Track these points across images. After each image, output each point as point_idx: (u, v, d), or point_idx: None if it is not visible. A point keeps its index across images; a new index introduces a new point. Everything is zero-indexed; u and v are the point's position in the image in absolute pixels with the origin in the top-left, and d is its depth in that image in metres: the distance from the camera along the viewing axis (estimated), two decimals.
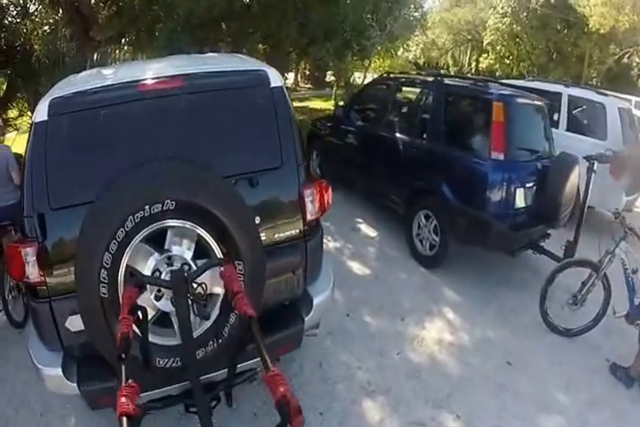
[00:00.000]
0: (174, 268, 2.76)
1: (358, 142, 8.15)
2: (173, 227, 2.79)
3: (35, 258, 2.90)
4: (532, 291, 5.44)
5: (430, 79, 7.07)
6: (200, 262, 2.82)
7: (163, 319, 2.88)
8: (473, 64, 36.46)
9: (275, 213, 3.44)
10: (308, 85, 31.48)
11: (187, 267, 2.77)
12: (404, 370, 4.57)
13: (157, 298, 2.78)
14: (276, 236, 3.43)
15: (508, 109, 5.61)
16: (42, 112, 3.04)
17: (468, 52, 37.06)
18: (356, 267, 6.44)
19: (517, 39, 30.46)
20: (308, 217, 3.50)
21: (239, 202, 2.89)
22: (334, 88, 20.52)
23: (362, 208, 8.25)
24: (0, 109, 13.87)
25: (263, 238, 3.14)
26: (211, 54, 5.75)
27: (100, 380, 2.98)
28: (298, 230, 3.51)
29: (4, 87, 14.19)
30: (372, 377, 4.45)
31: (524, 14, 29.35)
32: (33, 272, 2.93)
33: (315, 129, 9.90)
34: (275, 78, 3.48)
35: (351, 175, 8.21)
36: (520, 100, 6.01)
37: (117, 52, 21.13)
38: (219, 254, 2.87)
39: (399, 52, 23.90)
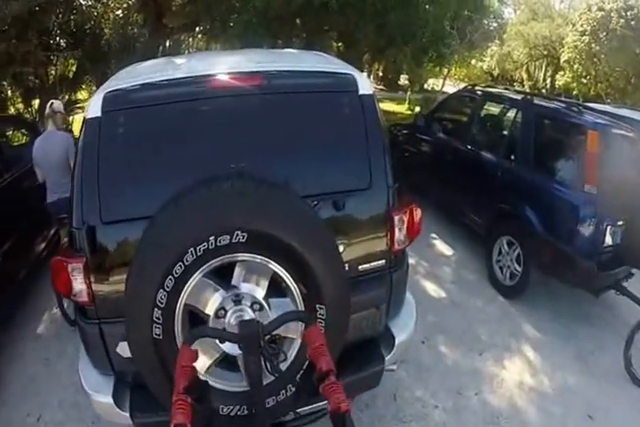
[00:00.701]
0: (242, 314, 2.31)
1: (439, 154, 7.80)
2: (243, 261, 2.34)
3: (82, 275, 2.60)
4: (610, 332, 5.11)
5: (519, 97, 6.66)
6: (275, 302, 2.41)
7: (227, 362, 2.49)
8: (548, 80, 35.41)
9: (359, 240, 2.99)
10: (381, 87, 30.98)
11: (256, 308, 2.33)
12: (482, 414, 4.20)
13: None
14: (360, 267, 3.00)
15: (603, 139, 5.13)
16: (95, 107, 2.67)
17: (544, 67, 36.05)
18: (431, 288, 6.08)
19: (595, 59, 29.37)
20: (396, 246, 3.07)
21: (325, 234, 2.42)
22: (408, 92, 20.13)
23: (438, 222, 7.80)
24: (69, 90, 14.16)
25: (345, 268, 2.69)
26: (289, 50, 5.31)
27: (156, 412, 2.61)
28: (384, 261, 3.07)
29: (74, 69, 14.24)
30: (448, 419, 4.11)
31: (604, 34, 28.27)
32: (80, 290, 2.63)
33: (391, 135, 9.36)
34: (364, 84, 3.02)
35: (429, 187, 7.84)
36: (617, 131, 5.48)
37: (190, 40, 21.32)
38: (297, 297, 2.41)
39: (473, 62, 23.37)
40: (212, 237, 2.15)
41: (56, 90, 12.64)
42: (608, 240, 5.04)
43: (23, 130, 8.01)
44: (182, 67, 3.44)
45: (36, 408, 4.13)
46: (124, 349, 2.50)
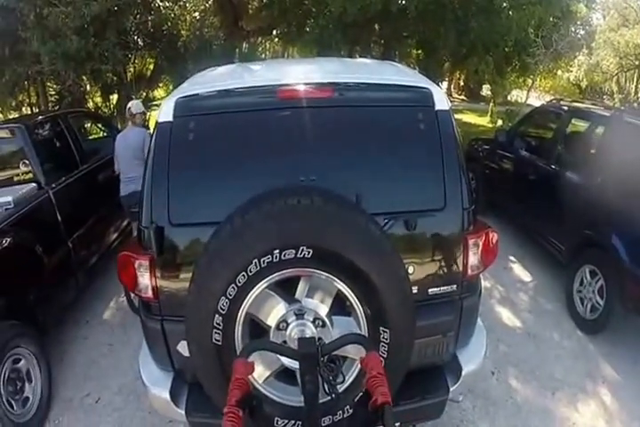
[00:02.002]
0: (304, 329, 2.22)
1: (520, 172, 7.45)
2: (308, 276, 2.28)
3: (148, 272, 2.70)
4: None
5: (608, 114, 6.18)
6: (338, 320, 2.32)
7: (286, 374, 2.42)
8: None
9: (430, 263, 2.87)
10: (462, 97, 30.30)
11: (318, 324, 2.24)
12: None
13: None
14: (429, 290, 2.89)
15: None
16: (167, 111, 2.76)
17: (635, 78, 34.52)
18: (506, 316, 5.75)
19: None
20: (469, 272, 2.93)
21: (394, 256, 2.28)
22: (491, 104, 19.64)
23: (517, 244, 7.43)
24: (147, 88, 14.84)
25: (413, 291, 2.61)
26: (364, 60, 5.18)
27: (212, 413, 2.58)
28: (455, 286, 2.94)
29: (151, 67, 14.88)
30: None
31: None
32: (146, 286, 2.73)
33: (472, 150, 9.29)
34: (440, 99, 2.88)
35: (510, 206, 7.65)
36: None
37: (267, 43, 21.48)
38: (361, 317, 2.28)
39: (560, 73, 22.53)
40: (276, 251, 2.11)
41: (133, 87, 13.24)
42: None
43: (100, 124, 8.64)
44: (255, 75, 3.57)
45: (96, 391, 4.30)
46: (184, 347, 2.53)
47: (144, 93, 14.56)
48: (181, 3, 13.26)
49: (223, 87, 2.91)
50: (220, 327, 2.20)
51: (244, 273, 2.12)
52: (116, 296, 5.80)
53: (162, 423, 3.86)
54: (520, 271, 6.81)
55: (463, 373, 3.05)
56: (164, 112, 2.76)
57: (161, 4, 12.85)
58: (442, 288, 2.91)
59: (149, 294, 2.73)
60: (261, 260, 2.10)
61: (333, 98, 2.78)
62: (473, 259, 2.91)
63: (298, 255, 2.11)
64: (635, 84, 34.77)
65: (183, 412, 2.81)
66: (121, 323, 5.30)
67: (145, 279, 2.71)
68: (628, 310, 4.87)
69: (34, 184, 4.88)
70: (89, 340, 5.01)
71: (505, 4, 11.99)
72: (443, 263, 2.89)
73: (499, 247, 3.10)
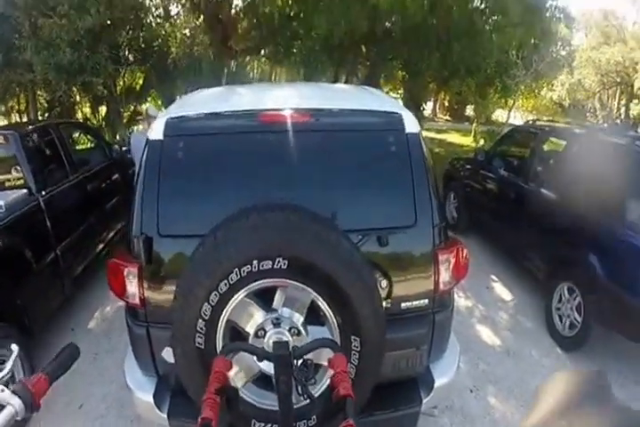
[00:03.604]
0: (278, 332, 2.36)
1: (499, 192, 7.59)
2: (284, 286, 2.43)
3: (136, 280, 2.80)
4: None
5: (582, 132, 6.37)
6: (313, 329, 2.44)
7: (265, 381, 2.53)
8: (622, 109, 34.30)
9: (402, 278, 2.97)
10: (447, 117, 30.65)
11: (294, 333, 2.36)
12: None
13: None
14: (402, 305, 2.99)
15: None
16: (157, 130, 2.91)
17: (617, 95, 34.94)
18: (486, 334, 5.77)
19: None
20: (441, 287, 3.03)
21: (365, 268, 2.44)
22: (473, 124, 19.84)
23: (498, 263, 7.49)
24: (136, 102, 15.15)
25: (386, 306, 2.75)
26: (341, 86, 5.30)
27: (194, 417, 2.61)
28: (427, 300, 3.03)
29: (140, 82, 15.15)
30: None
31: None
32: (133, 293, 2.83)
33: (453, 169, 9.43)
34: (410, 123, 3.06)
35: (490, 224, 7.71)
36: None
37: (255, 63, 21.65)
38: (334, 326, 2.43)
39: (542, 92, 22.80)
40: (255, 261, 2.26)
41: (122, 100, 13.51)
42: None
43: (89, 136, 8.65)
44: (239, 99, 3.70)
45: (80, 397, 4.30)
46: (169, 354, 2.65)
47: (132, 107, 14.79)
48: (172, 20, 13.43)
49: (210, 110, 3.06)
50: (203, 332, 2.35)
51: (225, 281, 2.27)
52: (102, 306, 5.85)
53: None
54: (501, 290, 6.87)
55: (436, 385, 3.14)
56: (155, 131, 2.90)
57: (152, 20, 13.07)
58: (414, 303, 3.01)
59: (136, 300, 2.84)
60: (241, 269, 2.25)
61: (311, 122, 2.94)
62: (444, 274, 3.00)
63: (275, 266, 2.27)
64: (616, 100, 35.28)
65: (165, 415, 2.92)
66: (106, 332, 5.31)
67: (133, 287, 2.81)
68: (606, 326, 4.95)
69: (25, 190, 4.94)
70: None
71: (487, 27, 12.20)
72: (415, 278, 3.01)
73: (469, 262, 3.19)
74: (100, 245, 6.37)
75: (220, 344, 2.43)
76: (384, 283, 2.86)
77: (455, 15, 11.30)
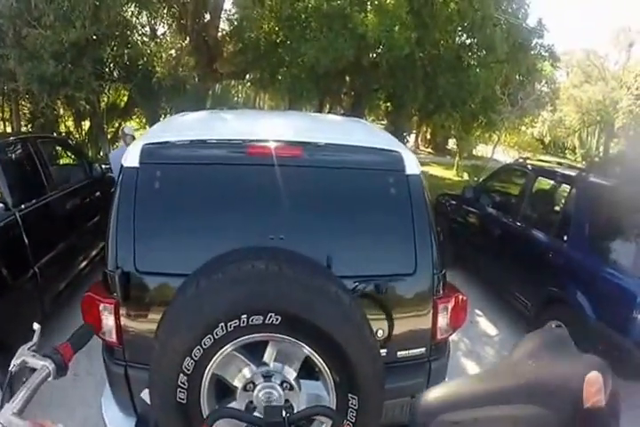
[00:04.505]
0: (271, 391, 2.13)
1: (487, 229, 7.59)
2: (277, 341, 2.19)
3: (113, 316, 2.63)
4: None
5: (573, 174, 6.32)
6: (306, 384, 2.23)
7: None
8: (601, 148, 34.68)
9: (399, 326, 2.80)
10: (429, 150, 30.72)
11: (286, 387, 2.16)
12: None
13: (249, 409, 2.15)
14: (398, 353, 2.85)
15: None
16: (133, 157, 2.70)
17: (597, 133, 35.37)
18: (471, 369, 5.73)
19: None
20: (438, 335, 2.91)
21: (365, 324, 2.23)
22: (456, 158, 19.96)
23: (483, 298, 7.44)
24: (119, 119, 15.20)
25: (382, 354, 2.53)
26: (334, 117, 5.12)
27: None
28: (424, 349, 2.92)
29: (125, 99, 15.18)
30: None
31: None
32: (110, 330, 2.67)
33: (439, 204, 9.40)
34: (411, 163, 2.87)
35: (475, 261, 7.70)
36: None
37: (240, 87, 21.66)
38: (330, 383, 2.20)
39: (524, 128, 23.04)
40: (244, 316, 2.03)
41: (104, 116, 13.43)
42: None
43: (69, 152, 8.46)
44: (226, 126, 3.53)
45: (60, 419, 4.05)
46: (148, 395, 2.36)
47: (117, 124, 14.71)
48: (158, 40, 13.35)
49: (193, 137, 2.87)
50: (185, 387, 2.12)
51: (210, 336, 2.05)
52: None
53: None
54: (486, 325, 6.82)
55: None
56: (130, 157, 2.70)
57: (138, 38, 13.01)
58: (411, 351, 2.88)
59: (113, 338, 2.67)
60: (228, 324, 2.03)
61: (303, 158, 2.74)
62: (442, 322, 2.88)
63: (266, 321, 2.05)
64: (596, 138, 35.73)
65: None
66: (87, 353, 5.01)
67: (109, 323, 2.64)
68: None
69: (1, 204, 4.73)
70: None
71: (473, 62, 12.29)
72: (412, 327, 2.86)
73: (468, 311, 3.10)
74: (84, 262, 6.23)
75: (204, 399, 2.20)
76: (380, 332, 2.69)
77: (442, 49, 11.33)
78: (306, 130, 3.43)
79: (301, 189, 2.73)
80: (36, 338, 1.49)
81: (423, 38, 10.85)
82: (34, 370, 1.41)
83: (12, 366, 1.39)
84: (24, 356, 1.42)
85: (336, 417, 1.99)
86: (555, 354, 1.11)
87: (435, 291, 2.83)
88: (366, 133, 3.64)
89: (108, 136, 13.74)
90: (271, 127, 3.42)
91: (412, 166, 2.85)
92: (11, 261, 4.46)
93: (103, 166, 7.79)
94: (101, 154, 12.99)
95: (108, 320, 2.64)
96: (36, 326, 1.48)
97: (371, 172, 2.84)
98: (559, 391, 0.96)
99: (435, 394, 1.16)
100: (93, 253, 6.54)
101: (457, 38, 12.64)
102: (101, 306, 2.64)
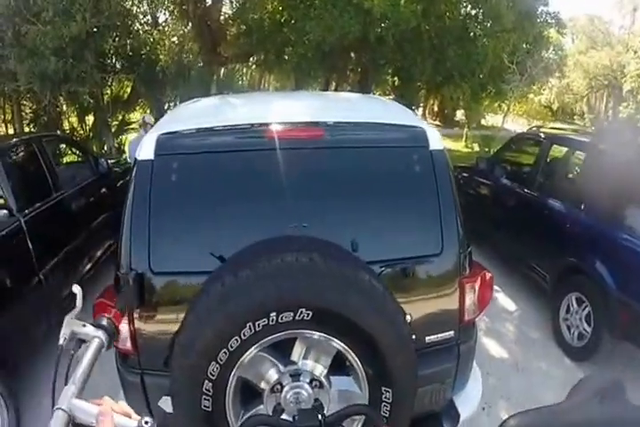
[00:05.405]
0: (297, 386, 2.05)
1: (503, 201, 7.47)
2: (306, 338, 2.09)
3: (127, 323, 2.46)
4: None
5: (589, 140, 6.21)
6: (336, 380, 2.13)
7: None
8: (610, 112, 34.43)
9: (427, 310, 2.73)
10: (436, 122, 30.28)
11: (315, 385, 2.07)
12: None
13: (277, 411, 2.07)
14: (426, 338, 2.72)
15: None
16: (147, 148, 2.52)
17: (605, 98, 35.08)
18: (493, 348, 5.62)
19: None
20: (466, 317, 2.80)
21: (399, 314, 2.15)
22: (465, 129, 19.77)
23: (500, 272, 7.16)
24: (123, 111, 14.74)
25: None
26: (349, 95, 4.97)
27: None
28: (452, 332, 2.79)
29: (128, 91, 14.76)
30: None
31: None
32: (124, 338, 2.48)
33: None
34: (434, 138, 2.76)
35: (491, 234, 7.51)
36: None
37: (245, 70, 21.54)
38: (362, 377, 2.12)
39: (531, 96, 22.84)
40: (273, 314, 1.93)
41: (110, 109, 13.20)
42: None
43: (74, 150, 8.19)
44: (241, 111, 3.36)
45: None
46: (166, 403, 2.31)
47: (120, 116, 14.45)
48: (160, 27, 13.28)
49: (209, 124, 2.71)
50: (210, 393, 2.03)
51: (237, 337, 1.95)
52: None
53: None
54: (505, 301, 6.74)
55: (461, 418, 2.89)
56: (144, 149, 2.54)
57: (140, 27, 12.85)
58: (439, 335, 2.77)
59: (128, 346, 2.52)
60: (256, 323, 1.94)
61: (324, 138, 2.63)
62: (470, 303, 2.79)
63: (296, 318, 1.96)
64: (604, 103, 35.44)
65: None
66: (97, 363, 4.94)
67: (123, 330, 2.47)
68: (617, 336, 4.85)
69: (5, 211, 4.59)
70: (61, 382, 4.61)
71: (480, 33, 12.17)
72: (439, 310, 2.76)
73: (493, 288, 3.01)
74: (89, 265, 6.00)
75: (229, 405, 2.11)
76: (408, 317, 2.51)
77: (448, 21, 11.24)
78: (323, 109, 3.30)
79: (324, 171, 2.63)
80: (79, 303, 1.37)
81: (429, 10, 10.78)
82: (82, 341, 1.33)
83: (61, 338, 1.29)
84: (72, 326, 1.31)
85: (376, 416, 1.97)
86: (611, 399, 1.16)
87: (461, 271, 2.74)
88: (385, 110, 3.49)
89: (112, 130, 13.47)
90: (288, 109, 3.29)
91: (436, 142, 2.74)
92: (15, 269, 4.36)
93: (110, 161, 7.59)
94: (106, 148, 12.76)
95: (123, 327, 2.47)
96: (76, 288, 1.38)
97: (394, 149, 2.74)
98: None
99: (517, 422, 1.16)
100: (99, 253, 6.32)
101: (462, 9, 12.56)
102: (113, 312, 2.40)
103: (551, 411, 1.16)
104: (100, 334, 1.31)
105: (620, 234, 4.94)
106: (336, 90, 15.32)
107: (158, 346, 2.46)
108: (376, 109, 3.52)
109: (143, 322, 2.50)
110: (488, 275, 2.92)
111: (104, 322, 1.35)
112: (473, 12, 12.55)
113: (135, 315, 2.48)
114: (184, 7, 13.01)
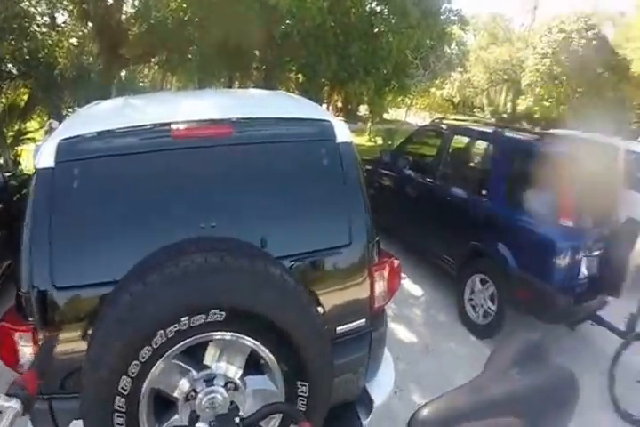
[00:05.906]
0: (215, 395, 1.95)
1: (406, 192, 7.54)
2: (219, 340, 2.00)
3: (31, 345, 2.30)
4: (589, 363, 4.86)
5: (489, 130, 6.42)
6: (251, 380, 2.05)
7: None
8: (509, 105, 35.85)
9: (339, 300, 2.71)
10: (340, 118, 30.85)
11: (231, 387, 1.97)
12: None
13: (192, 420, 1.95)
14: (339, 328, 2.70)
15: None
16: (47, 156, 2.35)
17: (504, 92, 36.47)
18: (402, 333, 5.73)
19: (557, 81, 29.80)
20: (376, 304, 2.81)
21: (311, 309, 2.10)
22: (369, 123, 20.00)
23: (405, 262, 7.36)
24: (20, 120, 13.79)
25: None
26: (254, 91, 4.89)
27: None
28: (364, 320, 2.79)
29: (25, 98, 14.00)
30: None
31: (565, 56, 28.75)
32: (28, 362, 2.29)
33: None
34: (342, 131, 2.76)
35: (395, 225, 7.54)
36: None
37: (147, 71, 21.02)
38: (277, 374, 2.07)
39: (433, 90, 23.47)
40: (184, 318, 1.83)
41: (5, 118, 12.45)
42: (584, 272, 4.86)
43: None
44: (145, 111, 3.21)
45: None
46: None
47: (16, 126, 13.58)
48: (59, 28, 12.72)
49: (112, 126, 2.56)
50: (123, 410, 1.90)
51: (148, 347, 1.85)
52: None
53: None
54: (410, 287, 6.88)
55: (375, 404, 2.91)
56: (44, 156, 2.38)
57: (37, 29, 12.20)
58: (352, 324, 2.77)
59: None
60: (167, 330, 1.85)
61: (232, 135, 2.56)
62: (379, 290, 2.82)
63: (208, 320, 1.89)
64: (504, 96, 36.85)
65: None
66: None
67: (27, 353, 2.33)
68: (519, 311, 5.16)
69: None
70: None
71: (385, 29, 12.36)
72: (351, 299, 2.77)
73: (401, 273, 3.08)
74: None
75: (143, 421, 1.99)
76: (320, 309, 2.47)
77: (353, 17, 11.33)
78: (231, 106, 3.21)
79: (233, 169, 2.58)
80: None
81: (335, 7, 10.84)
82: None
83: None
84: None
85: (293, 412, 1.94)
86: (533, 362, 1.15)
87: (370, 260, 2.76)
88: (293, 105, 3.48)
89: (8, 141, 12.57)
90: (194, 107, 3.19)
91: (343, 135, 2.76)
92: None
93: (6, 174, 7.03)
94: (1, 161, 11.73)
95: (26, 351, 2.33)
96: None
97: (303, 143, 2.74)
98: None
99: (430, 409, 1.12)
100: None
101: (368, 6, 12.72)
102: (16, 335, 2.33)
103: (464, 391, 1.15)
104: (14, 403, 1.30)
105: (519, 216, 5.20)
106: (239, 88, 15.06)
107: (66, 367, 2.30)
108: (284, 105, 3.47)
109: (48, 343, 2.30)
110: (396, 262, 2.95)
111: (17, 390, 1.34)
112: (378, 9, 12.75)
113: (39, 335, 2.31)
114: (84, 6, 12.47)
